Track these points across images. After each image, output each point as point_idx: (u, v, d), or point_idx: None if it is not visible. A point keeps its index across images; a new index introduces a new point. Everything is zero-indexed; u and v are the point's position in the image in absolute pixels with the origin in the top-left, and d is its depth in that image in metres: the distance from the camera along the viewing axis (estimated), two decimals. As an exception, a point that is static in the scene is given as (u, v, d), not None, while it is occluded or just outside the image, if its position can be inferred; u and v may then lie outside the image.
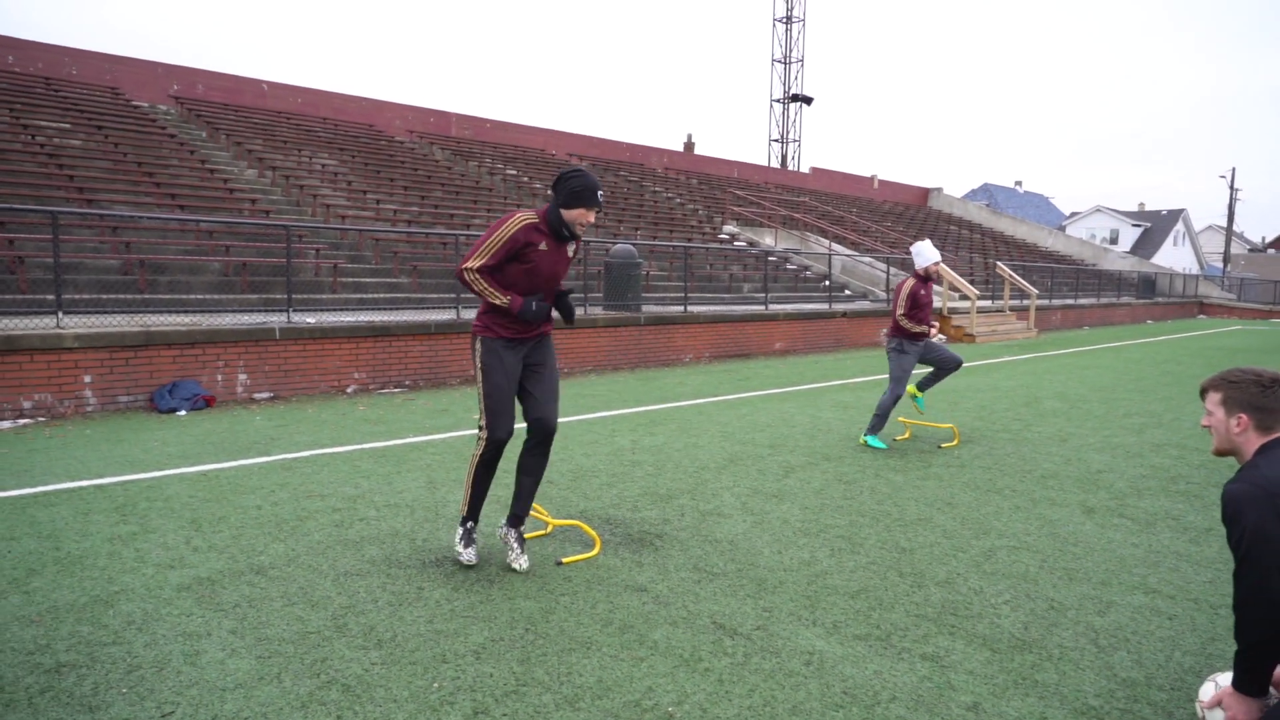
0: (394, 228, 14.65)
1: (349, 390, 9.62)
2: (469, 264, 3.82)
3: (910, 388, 7.35)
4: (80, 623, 3.29)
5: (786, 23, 37.84)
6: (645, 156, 29.76)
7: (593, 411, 8.54)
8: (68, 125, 15.18)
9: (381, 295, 12.14)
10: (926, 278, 7.08)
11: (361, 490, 5.33)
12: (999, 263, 24.02)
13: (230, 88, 20.45)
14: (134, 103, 18.21)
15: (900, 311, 6.99)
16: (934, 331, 7.14)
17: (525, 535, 4.29)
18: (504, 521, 4.14)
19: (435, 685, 2.86)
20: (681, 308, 14.27)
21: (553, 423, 4.03)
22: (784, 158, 38.36)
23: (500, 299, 3.84)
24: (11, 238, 9.89)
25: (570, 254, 4.05)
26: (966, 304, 19.58)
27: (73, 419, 7.64)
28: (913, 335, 7.05)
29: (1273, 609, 2.29)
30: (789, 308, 16.60)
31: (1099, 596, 3.77)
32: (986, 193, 65.31)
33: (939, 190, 41.41)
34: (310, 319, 9.85)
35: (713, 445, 6.95)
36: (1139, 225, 61.11)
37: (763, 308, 15.92)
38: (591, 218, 3.91)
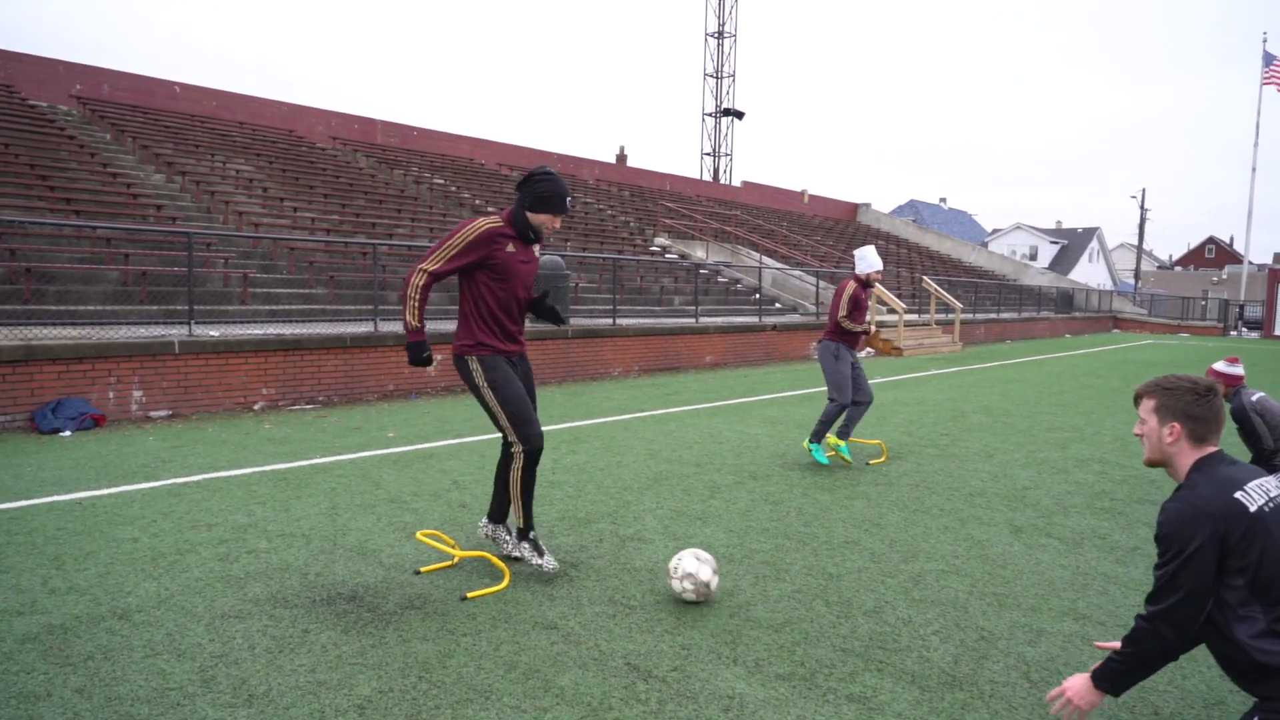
0: (311, 236, 14.07)
1: (256, 407, 9.08)
2: (424, 265, 3.70)
3: (831, 438, 6.99)
4: (-104, 684, 2.85)
5: (718, 38, 38.13)
6: (576, 168, 29.52)
7: (515, 429, 8.20)
8: (-45, 124, 14.19)
9: (295, 307, 11.59)
10: (867, 283, 7.01)
11: (254, 518, 4.91)
12: (925, 277, 24.44)
13: (139, 89, 19.50)
14: (30, 102, 17.19)
15: (842, 313, 6.86)
16: (873, 329, 7.09)
17: (422, 568, 3.99)
18: (485, 519, 4.22)
19: (307, 750, 2.52)
20: (611, 320, 14.02)
21: (538, 440, 3.99)
22: (716, 171, 38.57)
23: (411, 317, 3.72)
24: (-120, 243, 9.09)
25: (535, 254, 3.99)
26: (894, 317, 19.81)
27: (-59, 441, 6.98)
28: (851, 338, 6.93)
29: (1176, 631, 2.23)
30: (719, 321, 16.51)
31: (1029, 624, 3.63)
32: (913, 209, 66.93)
33: (867, 205, 42.17)
34: (214, 332, 9.29)
35: (637, 464, 6.70)
36: (1057, 242, 63.36)
37: (693, 320, 15.79)
38: (557, 223, 3.86)
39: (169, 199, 14.19)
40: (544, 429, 8.20)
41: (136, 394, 8.29)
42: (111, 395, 8.12)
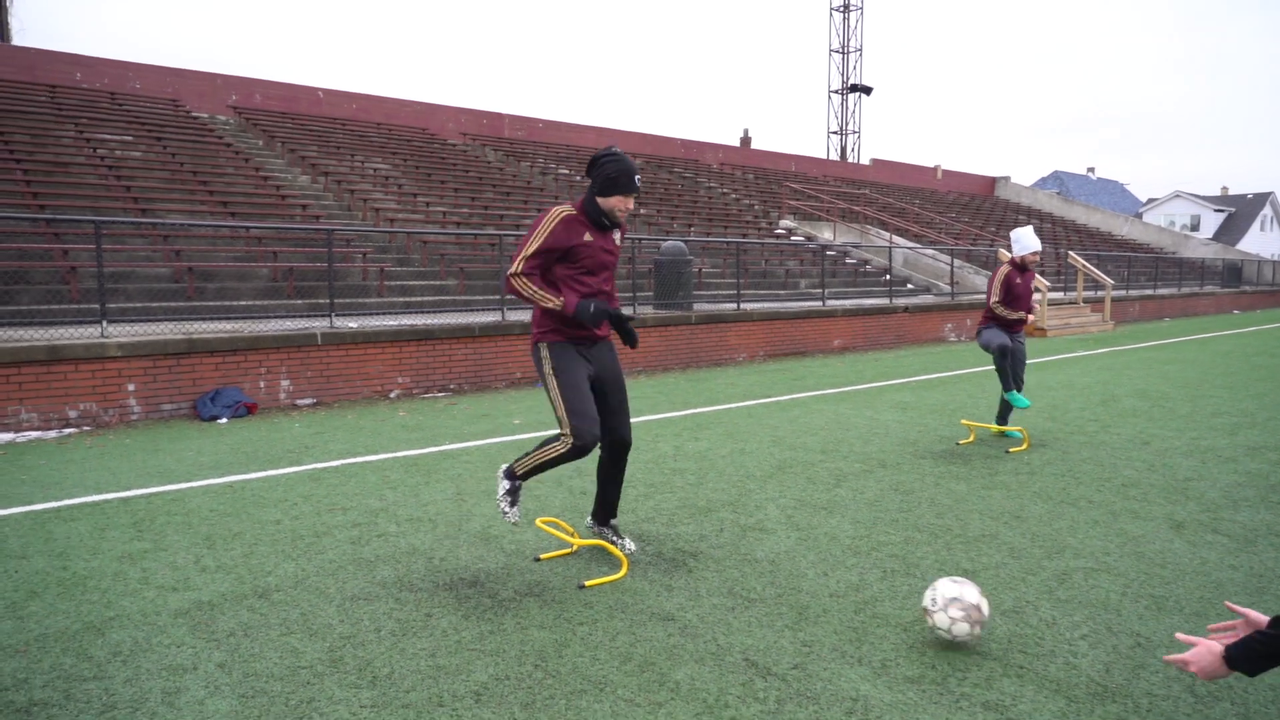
0: (443, 229, 14.56)
1: (392, 395, 9.48)
2: (514, 269, 3.61)
3: (994, 427, 7.07)
4: (65, 654, 3.09)
5: (844, 11, 36.94)
6: (700, 152, 29.33)
7: (636, 415, 8.21)
8: (130, 138, 15.49)
9: (428, 298, 12.02)
10: (1023, 266, 6.82)
11: (386, 503, 5.09)
12: (1071, 252, 22.92)
13: (286, 96, 20.72)
14: (193, 114, 18.55)
15: (995, 299, 6.82)
16: (1031, 319, 6.93)
17: (542, 555, 4.01)
18: (590, 519, 4.21)
19: (425, 735, 2.56)
20: (735, 305, 13.84)
21: (627, 437, 3.93)
22: (843, 150, 37.48)
23: (553, 302, 3.63)
24: (66, 248, 10.02)
25: (616, 242, 3.84)
26: (1037, 296, 18.68)
27: (116, 428, 7.63)
28: (1008, 323, 6.83)
29: None
30: (848, 303, 16.02)
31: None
32: (1057, 180, 62.99)
33: (1006, 179, 39.96)
34: (353, 323, 9.74)
35: (760, 451, 6.55)
36: (1222, 210, 58.17)
37: (820, 304, 15.38)
38: (630, 204, 3.69)
39: (313, 198, 15.00)
40: (665, 415, 8.20)
41: (284, 383, 8.80)
42: (263, 385, 8.65)
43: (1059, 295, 21.69)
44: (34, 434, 7.25)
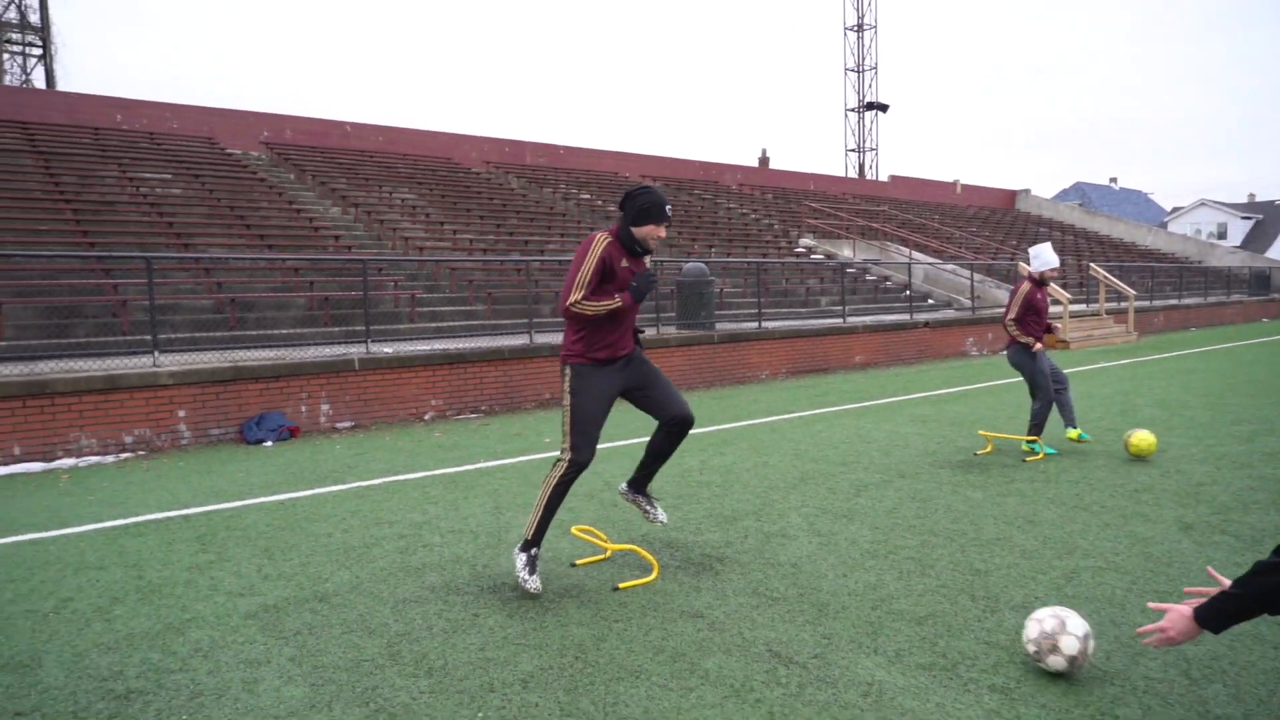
0: (470, 256, 14.99)
1: (426, 417, 9.83)
2: (572, 298, 3.87)
3: (1071, 432, 7.19)
4: (152, 649, 3.41)
5: (858, 30, 37.35)
6: (718, 174, 29.72)
7: (663, 432, 8.48)
8: (169, 176, 16.11)
9: (458, 323, 12.41)
10: (1042, 282, 6.95)
11: (428, 516, 5.41)
12: (1093, 264, 22.97)
13: (315, 131, 21.37)
14: (228, 151, 19.21)
15: (1010, 316, 6.89)
16: (1038, 346, 6.89)
17: (577, 561, 4.28)
18: (625, 485, 4.42)
19: (480, 715, 2.84)
20: (756, 324, 14.11)
21: (688, 413, 4.16)
22: (861, 167, 37.75)
23: (614, 303, 3.90)
24: (116, 283, 10.51)
25: (647, 265, 4.14)
26: (1059, 308, 18.77)
27: (169, 452, 8.03)
28: (1033, 335, 6.92)
29: None
30: (868, 320, 16.23)
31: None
32: (1079, 192, 62.75)
33: (1026, 192, 40.00)
34: (388, 349, 10.13)
35: (783, 464, 6.80)
36: (1249, 218, 57.61)
37: (840, 321, 15.61)
38: (662, 232, 3.98)
39: (345, 229, 15.50)
40: (692, 432, 8.46)
41: (324, 407, 9.18)
42: (304, 409, 9.04)
43: (1081, 307, 21.73)
44: (94, 458, 7.66)
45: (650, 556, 4.30)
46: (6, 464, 7.34)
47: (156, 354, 8.58)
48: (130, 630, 3.63)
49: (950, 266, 21.13)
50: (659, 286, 13.79)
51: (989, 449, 7.19)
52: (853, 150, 37.90)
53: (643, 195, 3.92)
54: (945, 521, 5.05)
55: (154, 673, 3.21)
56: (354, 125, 22.16)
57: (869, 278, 21.17)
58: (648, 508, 4.40)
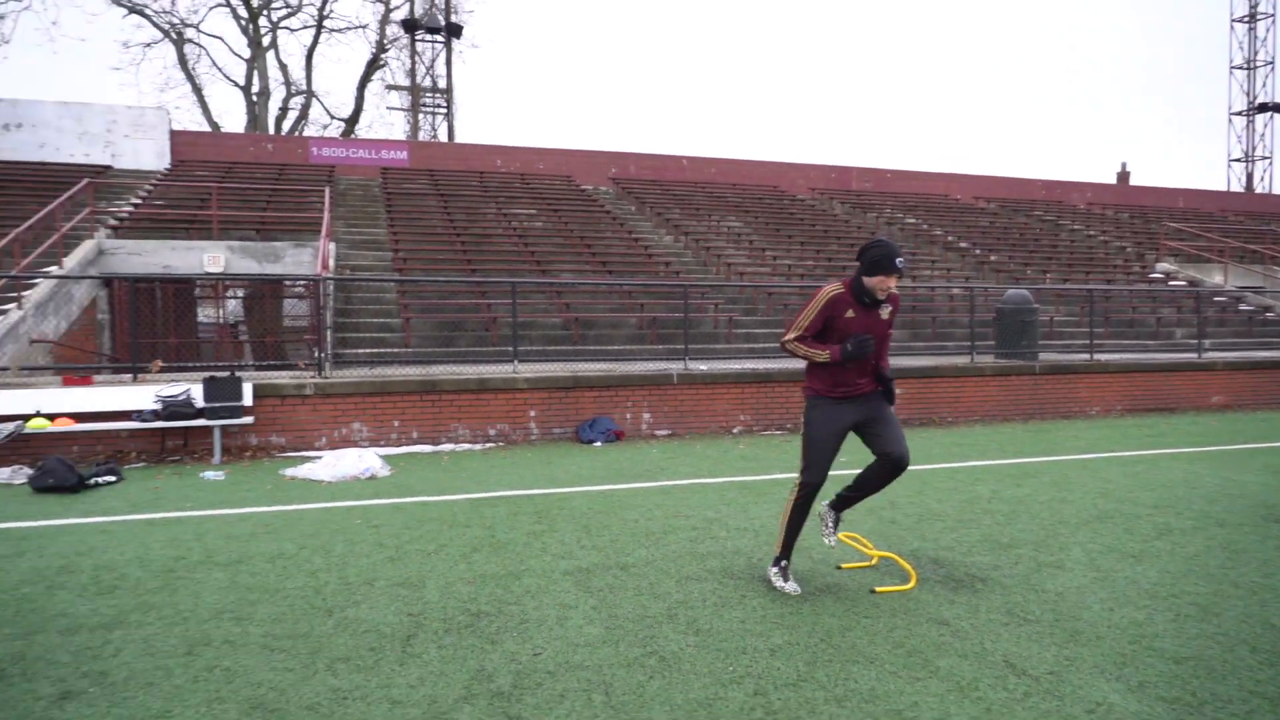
0: (787, 281, 15.68)
1: (734, 431, 10.64)
2: (787, 336, 4.39)
3: None
4: (497, 587, 4.47)
5: (1249, 21, 32.36)
6: (1064, 193, 27.52)
7: (962, 460, 8.46)
8: (534, 211, 18.83)
9: (770, 345, 13.13)
10: None
11: (720, 514, 6.12)
12: None
13: (655, 165, 23.50)
14: (582, 186, 21.87)
15: None
16: None
17: (844, 564, 4.70)
18: (826, 503, 4.71)
19: (730, 668, 3.44)
20: (1088, 355, 13.13)
21: (904, 455, 4.32)
22: (1249, 178, 32.57)
23: (821, 355, 4.29)
24: (489, 303, 12.71)
25: (885, 316, 4.37)
26: None
27: (521, 444, 9.65)
28: None
29: None
30: (1231, 355, 14.26)
31: None
32: None
33: None
34: (703, 366, 11.12)
35: (1083, 500, 6.56)
36: None
37: (1195, 355, 13.91)
38: (892, 283, 4.19)
39: (674, 256, 17.01)
40: (991, 462, 8.37)
41: (646, 416, 10.36)
42: (629, 416, 10.29)
43: None
44: (466, 445, 9.48)
45: (910, 567, 4.60)
46: (407, 444, 9.37)
47: (516, 363, 10.33)
48: (483, 572, 4.75)
49: (1359, 295, 17.71)
50: (975, 314, 13.41)
51: (1349, 507, 6.29)
52: (1238, 160, 32.84)
53: (875, 248, 4.18)
54: (1254, 575, 4.69)
55: (497, 603, 4.24)
56: (690, 159, 24.00)
57: (1243, 308, 18.44)
58: (829, 524, 4.63)
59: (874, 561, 4.88)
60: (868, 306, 4.29)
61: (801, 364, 4.64)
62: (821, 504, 4.80)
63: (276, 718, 3.08)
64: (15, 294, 10.78)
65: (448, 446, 9.40)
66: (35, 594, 4.41)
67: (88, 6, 54.07)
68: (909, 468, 4.53)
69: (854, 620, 3.99)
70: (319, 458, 8.23)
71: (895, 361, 11.72)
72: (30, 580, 4.64)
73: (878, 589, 4.41)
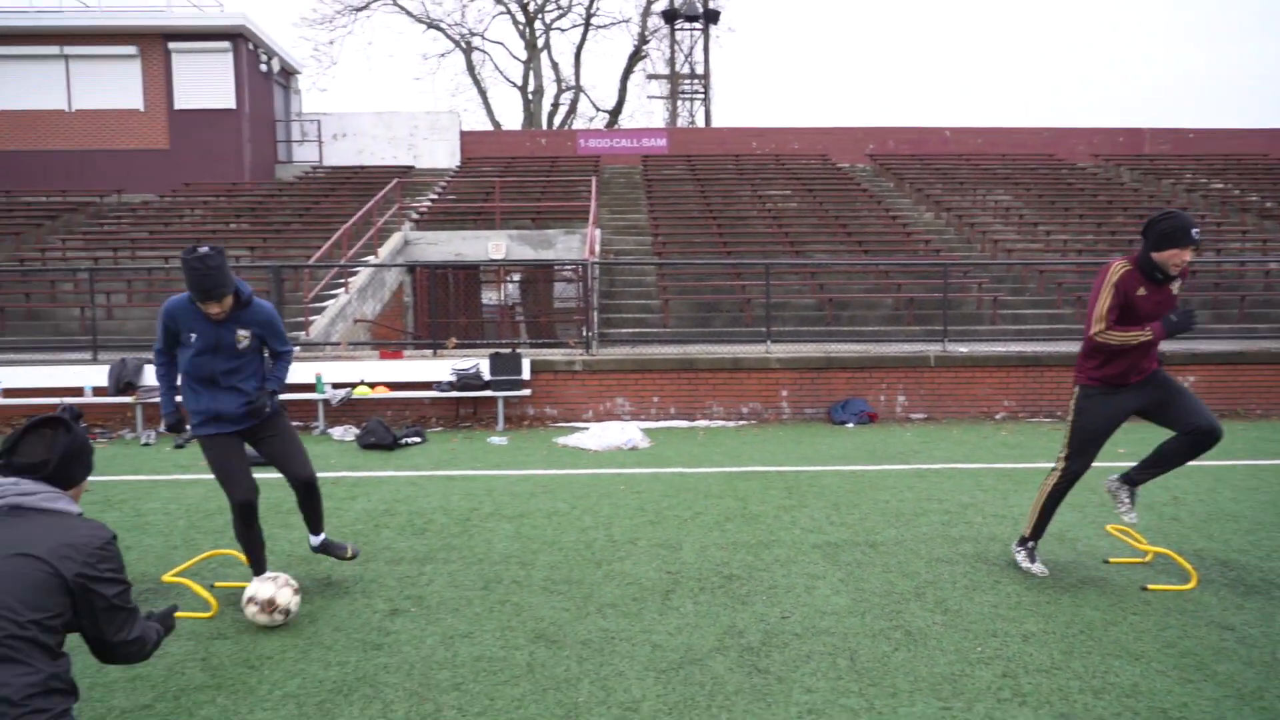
0: (1062, 258, 14.51)
1: (997, 417, 10.12)
2: (1094, 329, 4.09)
3: None
4: (748, 554, 4.74)
5: None
6: None
7: (1270, 457, 7.48)
8: (789, 191, 18.84)
9: (1040, 326, 12.27)
10: None
11: (976, 500, 5.96)
12: None
13: (915, 139, 22.51)
14: (838, 165, 21.50)
15: None
16: None
17: (1112, 559, 4.44)
18: (1117, 476, 4.41)
19: (979, 649, 3.45)
20: None
21: (1216, 424, 4.09)
22: None
23: (1143, 335, 4.03)
24: (744, 284, 13.00)
25: (1174, 291, 4.09)
26: None
27: (773, 423, 9.86)
28: None
29: None
30: None
31: None
32: None
33: None
34: (964, 348, 10.65)
35: None
36: None
37: None
38: (1187, 255, 3.90)
39: (935, 233, 16.30)
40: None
41: (900, 398, 10.16)
42: (882, 398, 10.14)
43: None
44: (720, 422, 9.86)
45: (1190, 566, 4.26)
46: (665, 419, 9.92)
47: (769, 343, 10.53)
48: (735, 540, 5.04)
49: None
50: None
51: None
52: None
53: (1165, 220, 3.89)
54: None
55: (747, 569, 4.51)
56: (953, 130, 22.74)
57: None
58: (1124, 500, 4.33)
59: (1148, 558, 4.56)
60: (1159, 283, 4.04)
61: (1075, 348, 4.42)
62: (1110, 479, 4.46)
63: (556, 648, 3.56)
64: (343, 280, 12.71)
65: (702, 423, 9.83)
66: (366, 530, 5.34)
67: (394, 25, 61.33)
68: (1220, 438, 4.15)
69: (1119, 615, 3.80)
70: (586, 428, 8.99)
71: (1190, 345, 10.51)
72: (362, 520, 5.60)
73: (1150, 586, 4.15)
